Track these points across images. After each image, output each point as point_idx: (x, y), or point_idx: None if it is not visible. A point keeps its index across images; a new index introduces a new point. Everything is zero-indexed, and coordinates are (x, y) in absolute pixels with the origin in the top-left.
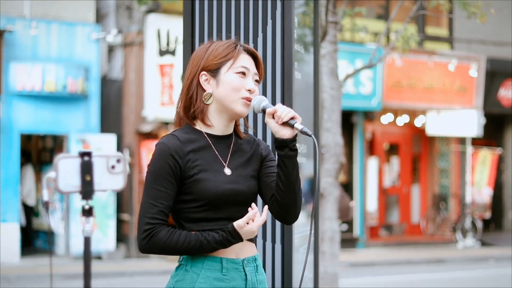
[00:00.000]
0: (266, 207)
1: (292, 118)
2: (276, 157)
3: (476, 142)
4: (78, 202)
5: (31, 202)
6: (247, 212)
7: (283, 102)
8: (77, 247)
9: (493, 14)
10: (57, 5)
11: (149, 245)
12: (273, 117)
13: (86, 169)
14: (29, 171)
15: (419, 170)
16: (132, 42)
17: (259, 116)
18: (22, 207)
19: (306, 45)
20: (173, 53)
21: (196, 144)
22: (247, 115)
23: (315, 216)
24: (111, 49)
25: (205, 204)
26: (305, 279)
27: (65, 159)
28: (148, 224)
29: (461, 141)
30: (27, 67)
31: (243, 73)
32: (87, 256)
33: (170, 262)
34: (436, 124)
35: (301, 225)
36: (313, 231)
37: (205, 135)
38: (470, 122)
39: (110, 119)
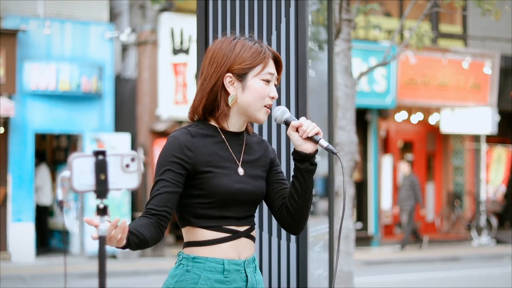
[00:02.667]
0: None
1: (316, 134)
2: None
3: (490, 139)
4: (93, 201)
5: (46, 201)
6: (253, 212)
7: (297, 100)
8: (92, 246)
9: (507, 11)
10: (71, 5)
11: None
12: (297, 131)
13: (101, 168)
14: (44, 170)
15: (433, 168)
16: (145, 41)
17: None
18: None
19: (320, 43)
20: (186, 51)
21: (210, 140)
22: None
23: (329, 215)
24: (125, 48)
25: (214, 201)
26: (320, 278)
27: (79, 158)
28: (145, 210)
29: (476, 138)
30: (41, 67)
31: (268, 80)
32: (102, 255)
33: None
34: (450, 121)
35: (316, 223)
36: (342, 225)
37: (220, 131)
38: (484, 119)
39: (124, 118)
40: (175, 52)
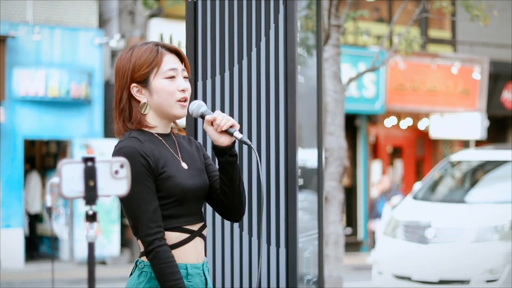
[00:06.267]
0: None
1: (231, 126)
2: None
3: (479, 144)
4: (82, 207)
5: (36, 209)
6: (201, 207)
7: (286, 106)
8: (82, 252)
9: (495, 16)
10: (60, 10)
11: (154, 254)
12: (212, 124)
13: (90, 174)
14: (35, 177)
15: (422, 173)
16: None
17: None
18: (26, 215)
19: (309, 48)
20: None
21: (154, 143)
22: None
23: (318, 220)
24: (114, 54)
25: (175, 200)
26: (310, 283)
27: (68, 164)
28: (151, 232)
29: (465, 144)
30: (30, 73)
31: (172, 76)
32: (91, 262)
33: None
34: (439, 127)
35: (306, 229)
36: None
37: (155, 134)
38: (474, 124)
39: (114, 124)
40: None
